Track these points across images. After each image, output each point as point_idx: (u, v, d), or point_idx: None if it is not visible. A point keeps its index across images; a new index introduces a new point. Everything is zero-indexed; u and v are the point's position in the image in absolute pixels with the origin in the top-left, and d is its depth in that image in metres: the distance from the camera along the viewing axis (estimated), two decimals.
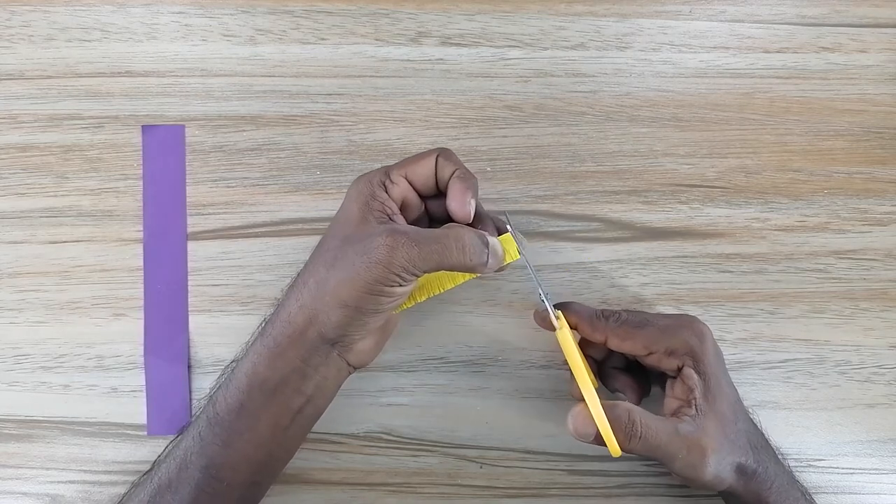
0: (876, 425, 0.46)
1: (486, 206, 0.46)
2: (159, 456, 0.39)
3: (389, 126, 0.47)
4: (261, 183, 0.46)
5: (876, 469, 0.46)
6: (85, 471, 0.45)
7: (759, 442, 0.40)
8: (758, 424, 0.41)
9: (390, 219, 0.35)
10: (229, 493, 0.37)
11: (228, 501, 0.37)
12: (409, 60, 0.47)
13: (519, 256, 0.38)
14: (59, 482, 0.44)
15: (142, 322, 0.45)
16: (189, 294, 0.46)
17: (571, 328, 0.40)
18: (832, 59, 0.49)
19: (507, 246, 0.38)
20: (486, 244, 0.35)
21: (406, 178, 0.37)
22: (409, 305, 0.39)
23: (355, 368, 0.39)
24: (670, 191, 0.47)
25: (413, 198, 0.38)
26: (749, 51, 0.48)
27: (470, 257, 0.34)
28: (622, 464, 0.46)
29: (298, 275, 0.38)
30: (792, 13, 0.49)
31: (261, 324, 0.39)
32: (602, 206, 0.47)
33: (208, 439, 0.36)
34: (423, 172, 0.37)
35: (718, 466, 0.37)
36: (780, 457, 0.41)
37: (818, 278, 0.47)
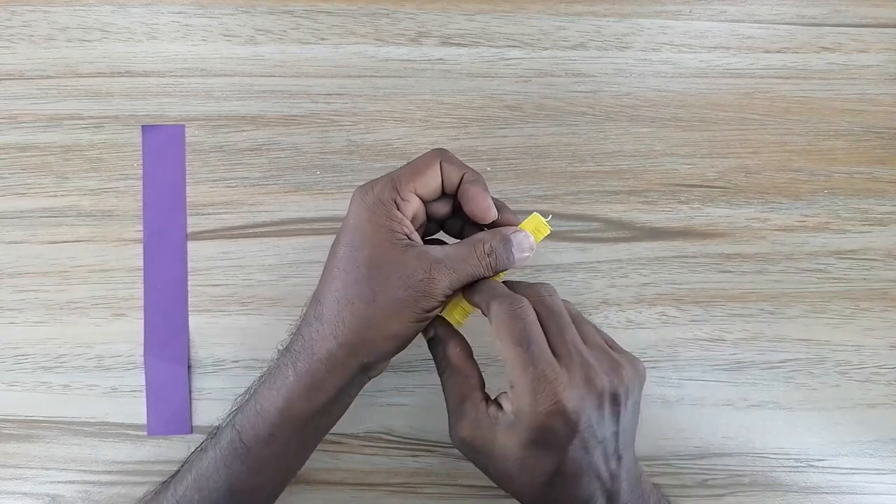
0: (876, 425, 0.46)
1: None
2: (175, 475, 0.38)
3: (389, 126, 0.47)
4: (261, 183, 0.46)
5: (876, 469, 0.46)
6: (85, 471, 0.45)
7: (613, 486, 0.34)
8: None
9: (410, 238, 0.35)
10: None
11: None
12: (409, 60, 0.47)
13: (549, 230, 0.37)
14: (58, 482, 0.44)
15: (142, 322, 0.45)
16: (189, 294, 0.46)
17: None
18: (832, 59, 0.49)
19: (536, 224, 0.37)
20: (511, 242, 0.36)
21: (415, 193, 0.36)
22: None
23: (372, 377, 0.39)
24: (670, 191, 0.47)
25: (421, 210, 0.37)
26: (749, 51, 0.48)
27: (499, 261, 0.35)
28: None
29: (321, 304, 0.35)
30: (792, 13, 0.49)
31: (282, 352, 0.37)
32: (602, 206, 0.47)
33: (234, 468, 0.36)
34: (432, 184, 0.36)
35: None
36: None
37: (818, 278, 0.47)
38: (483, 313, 0.35)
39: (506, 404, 0.33)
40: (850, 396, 0.46)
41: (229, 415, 0.38)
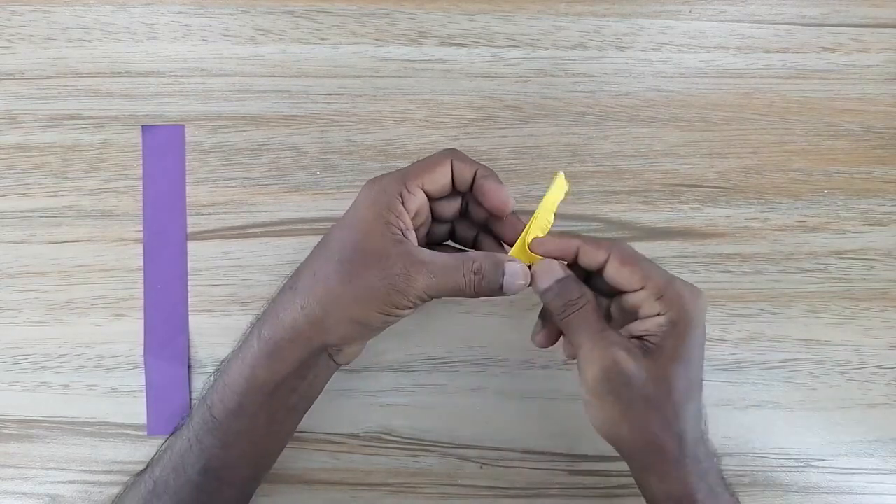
0: (876, 425, 0.46)
1: None
2: (152, 458, 0.39)
3: (389, 126, 0.47)
4: (261, 183, 0.46)
5: (876, 469, 0.46)
6: (85, 471, 0.45)
7: (705, 451, 0.36)
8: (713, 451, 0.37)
9: (404, 234, 0.35)
10: (228, 491, 0.37)
11: (226, 499, 0.38)
12: (409, 60, 0.47)
13: (568, 186, 0.38)
14: (58, 482, 0.44)
15: (142, 322, 0.45)
16: (189, 294, 0.46)
17: (572, 250, 0.37)
18: (832, 59, 0.49)
19: (558, 182, 0.38)
20: (503, 269, 0.35)
21: (423, 189, 0.36)
22: None
23: (341, 366, 0.39)
24: (670, 191, 0.47)
25: (425, 207, 0.37)
26: (749, 51, 0.48)
27: (486, 282, 0.35)
28: (622, 464, 0.45)
29: (299, 276, 0.36)
30: (792, 13, 0.49)
31: (253, 324, 0.38)
32: (602, 206, 0.47)
33: (206, 443, 0.36)
34: (441, 181, 0.36)
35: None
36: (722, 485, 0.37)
37: (818, 278, 0.47)
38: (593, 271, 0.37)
39: (649, 324, 0.35)
40: (850, 396, 0.46)
41: (203, 392, 0.38)
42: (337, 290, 0.34)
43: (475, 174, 0.37)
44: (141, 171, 0.46)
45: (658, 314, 0.35)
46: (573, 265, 0.38)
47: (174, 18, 0.47)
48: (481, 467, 0.45)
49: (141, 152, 0.47)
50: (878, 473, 0.46)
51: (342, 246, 0.35)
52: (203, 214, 0.46)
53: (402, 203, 0.35)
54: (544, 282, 0.36)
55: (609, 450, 0.45)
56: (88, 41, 0.47)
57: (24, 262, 0.46)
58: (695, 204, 0.47)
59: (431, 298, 0.35)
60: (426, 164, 0.36)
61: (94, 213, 0.46)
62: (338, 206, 0.46)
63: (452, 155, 0.37)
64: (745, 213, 0.47)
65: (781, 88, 0.48)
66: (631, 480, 0.45)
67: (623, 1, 0.48)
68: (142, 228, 0.46)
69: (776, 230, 0.47)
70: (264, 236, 0.46)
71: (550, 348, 0.46)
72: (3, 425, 0.45)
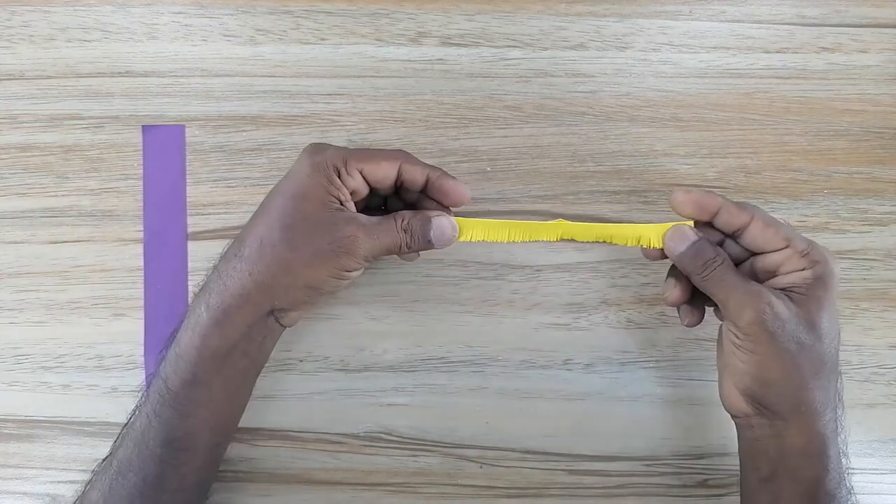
0: (876, 425, 0.46)
1: (486, 206, 0.46)
2: (115, 441, 0.39)
3: (389, 126, 0.47)
4: (261, 183, 0.46)
5: (876, 469, 0.46)
6: (85, 471, 0.44)
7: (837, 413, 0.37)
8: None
9: (342, 204, 0.37)
10: (192, 460, 0.38)
11: (192, 468, 0.38)
12: (409, 60, 0.47)
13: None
14: (59, 482, 0.44)
15: (142, 322, 0.46)
16: (189, 294, 0.46)
17: (713, 208, 0.38)
18: (832, 59, 0.49)
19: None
20: (430, 224, 0.38)
21: (361, 174, 0.37)
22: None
23: (286, 327, 0.40)
24: (670, 191, 0.47)
25: (363, 187, 0.38)
26: (749, 51, 0.48)
27: (414, 238, 0.38)
28: (622, 464, 0.46)
29: (243, 243, 0.37)
30: (792, 13, 0.49)
31: (197, 294, 0.38)
32: (602, 206, 0.47)
33: (165, 416, 0.37)
34: (381, 175, 0.37)
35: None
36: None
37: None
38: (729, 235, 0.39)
39: (794, 277, 0.36)
40: (849, 396, 0.46)
41: (157, 368, 0.38)
42: (286, 256, 0.36)
43: (427, 177, 0.38)
44: (141, 171, 0.46)
45: (804, 269, 0.36)
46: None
47: (174, 18, 0.47)
48: (481, 467, 0.45)
49: (141, 152, 0.47)
50: (878, 473, 0.46)
51: (285, 212, 0.36)
52: (203, 214, 0.46)
53: (340, 178, 0.36)
54: (680, 245, 0.38)
55: (609, 450, 0.46)
56: (89, 41, 0.47)
57: (25, 262, 0.46)
58: None
59: (374, 259, 0.37)
60: (373, 155, 0.37)
61: (95, 213, 0.46)
62: None
63: (403, 158, 0.38)
64: None
65: (781, 88, 0.48)
66: (630, 480, 0.45)
67: (623, 1, 0.48)
68: (142, 228, 0.46)
69: None
70: None
71: (550, 349, 0.46)
72: (4, 425, 0.45)
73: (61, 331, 0.45)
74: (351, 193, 0.37)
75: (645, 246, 0.40)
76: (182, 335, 0.37)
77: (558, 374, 0.46)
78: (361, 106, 0.47)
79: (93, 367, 0.45)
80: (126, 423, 0.39)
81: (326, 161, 0.36)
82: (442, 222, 0.38)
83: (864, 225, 0.48)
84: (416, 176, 0.38)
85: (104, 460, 0.39)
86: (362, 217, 0.37)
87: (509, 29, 0.48)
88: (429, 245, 0.38)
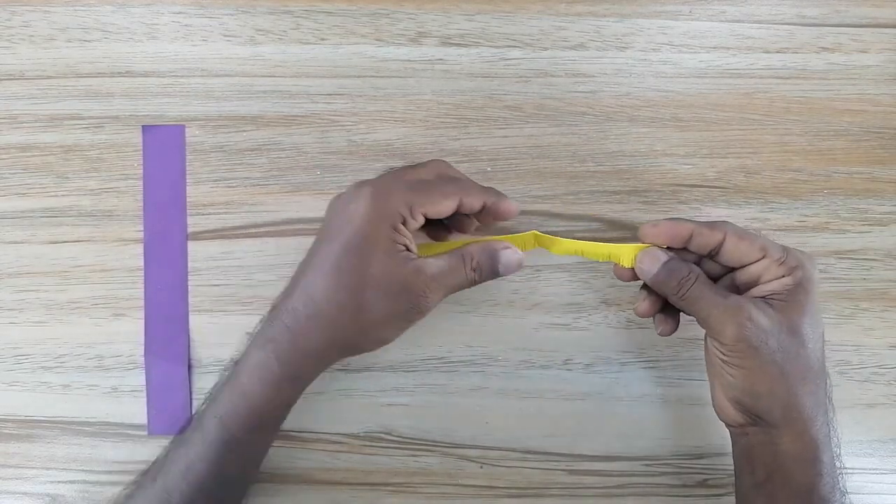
0: (876, 425, 0.46)
1: None
2: (156, 464, 0.39)
3: (390, 126, 0.47)
4: (261, 183, 0.46)
5: (876, 469, 0.46)
6: (85, 471, 0.45)
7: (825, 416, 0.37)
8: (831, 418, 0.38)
9: (408, 250, 0.37)
10: (237, 497, 0.40)
11: (234, 502, 0.40)
12: (409, 60, 0.47)
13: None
14: (59, 482, 0.45)
15: (142, 322, 0.46)
16: (189, 294, 0.46)
17: (686, 234, 0.38)
18: (832, 59, 0.49)
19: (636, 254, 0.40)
20: (499, 260, 0.38)
21: (425, 215, 0.37)
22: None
23: None
24: (670, 191, 0.47)
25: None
26: (749, 51, 0.48)
27: (483, 276, 0.38)
28: (622, 464, 0.46)
29: (314, 301, 0.36)
30: (792, 13, 0.49)
31: (260, 339, 0.38)
32: (602, 206, 0.47)
33: (224, 456, 0.37)
34: (443, 212, 0.37)
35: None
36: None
37: (818, 278, 0.47)
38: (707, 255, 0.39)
39: (774, 285, 0.37)
40: (849, 396, 0.46)
41: (205, 402, 0.39)
42: (361, 320, 0.36)
43: (484, 203, 0.38)
44: (141, 171, 0.46)
45: (783, 276, 0.37)
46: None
47: (174, 18, 0.47)
48: (481, 467, 0.45)
49: (141, 152, 0.47)
50: (878, 473, 0.46)
51: (357, 274, 0.36)
52: (203, 214, 0.46)
53: (406, 226, 0.36)
54: (652, 268, 0.38)
55: (608, 450, 0.46)
56: (89, 41, 0.47)
57: (25, 262, 0.46)
58: (695, 204, 0.47)
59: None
60: (434, 195, 0.37)
61: (95, 213, 0.46)
62: None
63: (461, 191, 0.37)
64: (745, 214, 0.47)
65: (781, 88, 0.48)
66: (630, 480, 0.45)
67: (623, 1, 0.48)
68: (142, 228, 0.46)
69: (776, 230, 0.47)
70: (265, 236, 0.46)
71: (550, 349, 0.46)
72: (4, 425, 0.45)
73: (61, 331, 0.45)
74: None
75: (616, 263, 0.40)
76: (246, 381, 0.37)
77: (558, 374, 0.46)
78: (361, 106, 0.47)
79: (93, 367, 0.45)
80: (171, 452, 0.39)
81: (392, 211, 0.36)
82: (509, 256, 0.38)
83: (864, 225, 0.48)
84: (474, 205, 0.38)
85: (144, 477, 0.39)
86: (431, 266, 0.36)
87: (509, 29, 0.48)
88: (495, 276, 0.38)
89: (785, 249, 0.37)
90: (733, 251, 0.38)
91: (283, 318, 0.37)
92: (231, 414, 0.37)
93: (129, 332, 0.45)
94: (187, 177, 0.46)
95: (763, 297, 0.37)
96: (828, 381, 0.38)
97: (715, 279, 0.40)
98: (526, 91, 0.48)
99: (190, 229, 0.46)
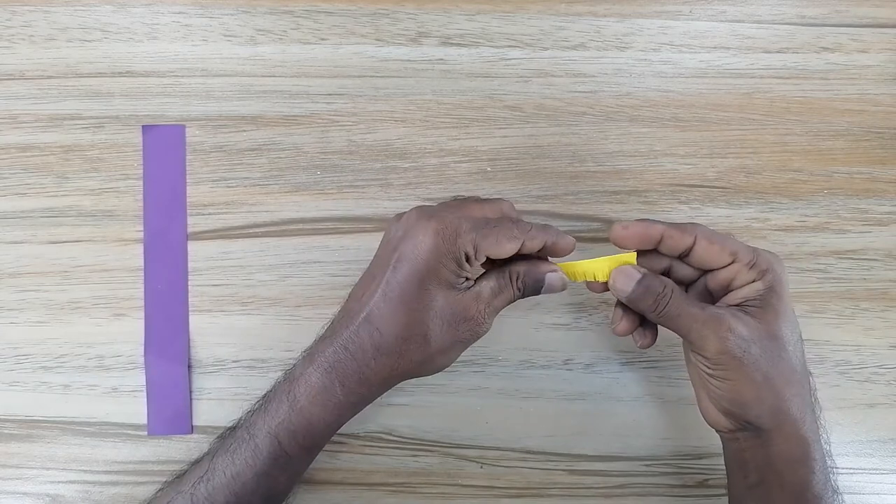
0: (876, 425, 0.46)
1: None
2: (194, 479, 0.38)
3: (390, 126, 0.47)
4: (261, 183, 0.46)
5: (876, 469, 0.46)
6: (85, 471, 0.45)
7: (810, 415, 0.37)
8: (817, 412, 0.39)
9: (468, 279, 0.37)
10: None
11: None
12: (409, 60, 0.47)
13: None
14: (59, 482, 0.44)
15: (142, 322, 0.46)
16: (189, 294, 0.46)
17: (656, 237, 0.38)
18: (832, 59, 0.49)
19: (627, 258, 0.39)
20: (544, 283, 0.38)
21: (487, 256, 0.37)
22: None
23: None
24: (670, 191, 0.47)
25: None
26: (749, 51, 0.48)
27: (526, 293, 0.38)
28: (622, 464, 0.46)
29: (380, 332, 0.36)
30: (792, 13, 0.49)
31: (326, 367, 0.37)
32: (602, 206, 0.47)
33: (275, 475, 0.38)
34: (505, 254, 0.37)
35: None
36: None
37: (818, 278, 0.47)
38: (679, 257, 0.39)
39: (746, 291, 0.37)
40: (850, 396, 0.46)
41: (253, 413, 0.38)
42: (427, 350, 0.37)
43: (545, 243, 0.38)
44: (141, 171, 0.46)
45: (753, 281, 0.37)
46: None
47: (175, 18, 0.47)
48: (481, 467, 0.45)
49: (141, 152, 0.47)
50: (878, 473, 0.46)
51: (426, 308, 0.36)
52: (203, 214, 0.46)
53: (469, 263, 0.37)
54: (626, 287, 0.38)
55: (609, 450, 0.46)
56: (89, 41, 0.47)
57: (25, 262, 0.46)
58: (695, 204, 0.47)
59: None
60: (498, 238, 0.36)
61: (95, 213, 0.46)
62: (338, 206, 0.46)
63: (524, 236, 0.37)
64: (745, 213, 0.47)
65: (781, 88, 0.48)
66: (630, 480, 0.45)
67: (623, 1, 0.48)
68: (142, 228, 0.46)
69: (776, 230, 0.47)
70: (265, 236, 0.46)
71: (550, 349, 0.46)
72: (4, 425, 0.45)
73: (61, 331, 0.45)
74: None
75: (590, 280, 0.39)
76: (309, 407, 0.37)
77: (558, 373, 0.46)
78: (361, 106, 0.47)
79: (93, 367, 0.45)
80: (216, 462, 0.38)
81: (458, 250, 0.36)
82: (553, 280, 0.38)
83: (864, 225, 0.48)
84: (534, 248, 0.38)
85: (182, 480, 0.38)
86: (485, 290, 0.37)
87: (509, 29, 0.48)
88: (536, 294, 0.39)
89: (755, 251, 0.37)
90: (703, 254, 0.37)
91: (348, 346, 0.37)
92: (287, 432, 0.37)
93: (129, 332, 0.45)
94: (187, 177, 0.46)
95: (738, 305, 0.37)
96: (811, 380, 0.38)
97: (688, 283, 0.40)
98: (526, 91, 0.48)
99: (190, 229, 0.46)
